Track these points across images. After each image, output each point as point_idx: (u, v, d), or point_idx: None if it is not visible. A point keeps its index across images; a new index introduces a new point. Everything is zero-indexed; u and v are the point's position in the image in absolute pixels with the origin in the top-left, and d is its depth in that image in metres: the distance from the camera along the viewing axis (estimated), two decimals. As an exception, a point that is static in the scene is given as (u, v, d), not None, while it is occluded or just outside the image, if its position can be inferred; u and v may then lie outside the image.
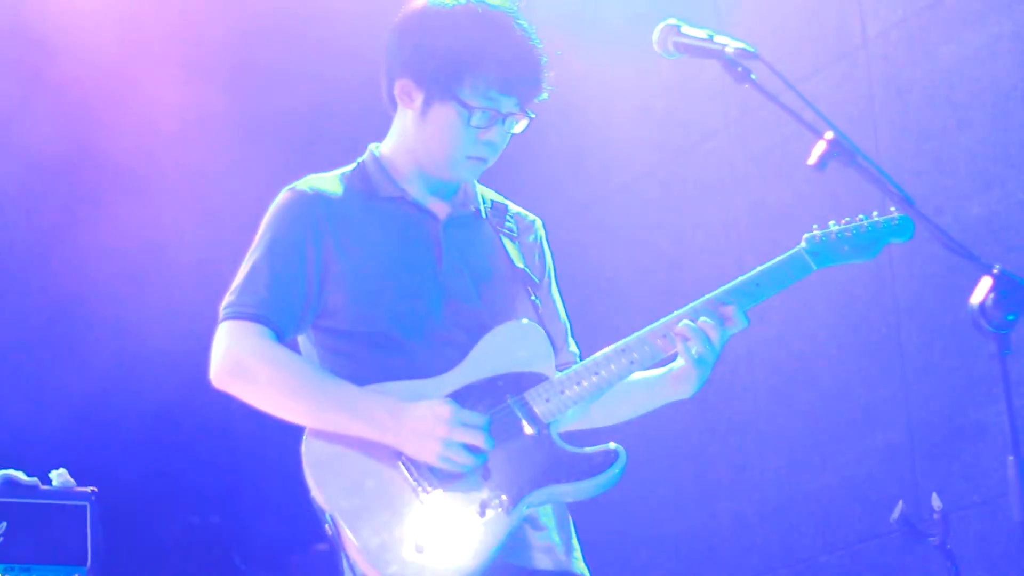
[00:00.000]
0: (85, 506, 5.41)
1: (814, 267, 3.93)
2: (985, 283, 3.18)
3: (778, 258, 3.94)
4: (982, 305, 3.16)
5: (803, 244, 3.95)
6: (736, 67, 3.58)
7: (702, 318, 3.81)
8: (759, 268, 3.91)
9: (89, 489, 5.45)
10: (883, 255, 4.08)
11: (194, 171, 7.36)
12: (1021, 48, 6.10)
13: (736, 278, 3.90)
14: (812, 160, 3.42)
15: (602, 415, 4.07)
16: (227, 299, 3.85)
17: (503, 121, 3.88)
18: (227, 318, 3.82)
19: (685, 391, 3.92)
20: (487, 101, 3.84)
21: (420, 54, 3.88)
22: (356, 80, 7.31)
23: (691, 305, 3.86)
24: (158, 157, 7.31)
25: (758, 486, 7.06)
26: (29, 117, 7.11)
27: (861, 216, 3.99)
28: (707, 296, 3.87)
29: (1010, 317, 3.15)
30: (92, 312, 7.22)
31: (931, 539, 5.44)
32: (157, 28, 7.30)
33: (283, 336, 3.80)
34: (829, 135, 3.40)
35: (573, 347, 4.13)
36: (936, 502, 5.44)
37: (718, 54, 3.61)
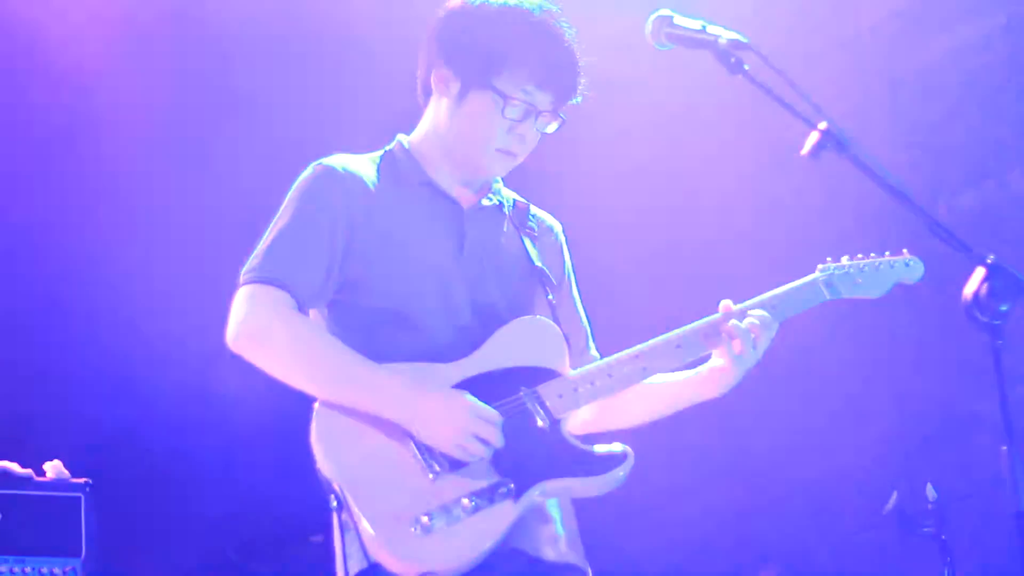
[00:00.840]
0: (79, 498, 5.40)
1: (827, 296, 4.04)
2: (979, 274, 3.18)
3: (793, 284, 4.01)
4: (976, 296, 3.16)
5: (818, 274, 4.05)
6: (729, 58, 3.58)
7: (748, 320, 3.87)
8: (774, 291, 3.98)
9: (83, 481, 5.44)
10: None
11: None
12: (1014, 41, 6.11)
13: (752, 297, 3.95)
14: (806, 150, 3.42)
15: (620, 417, 4.09)
16: (249, 264, 3.83)
17: (536, 118, 3.90)
18: (248, 282, 3.79)
19: (713, 390, 3.96)
20: (524, 94, 3.87)
21: (462, 43, 3.91)
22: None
23: (711, 317, 3.90)
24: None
25: (753, 477, 7.07)
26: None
27: (873, 254, 4.09)
28: (729, 310, 3.92)
29: (1003, 308, 3.15)
30: (86, 301, 7.21)
31: (925, 529, 5.44)
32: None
33: (302, 306, 3.80)
34: (823, 125, 3.40)
35: (594, 351, 4.14)
36: (930, 492, 5.44)
37: (711, 45, 3.61)
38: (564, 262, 4.17)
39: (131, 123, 7.24)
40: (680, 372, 3.99)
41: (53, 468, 5.45)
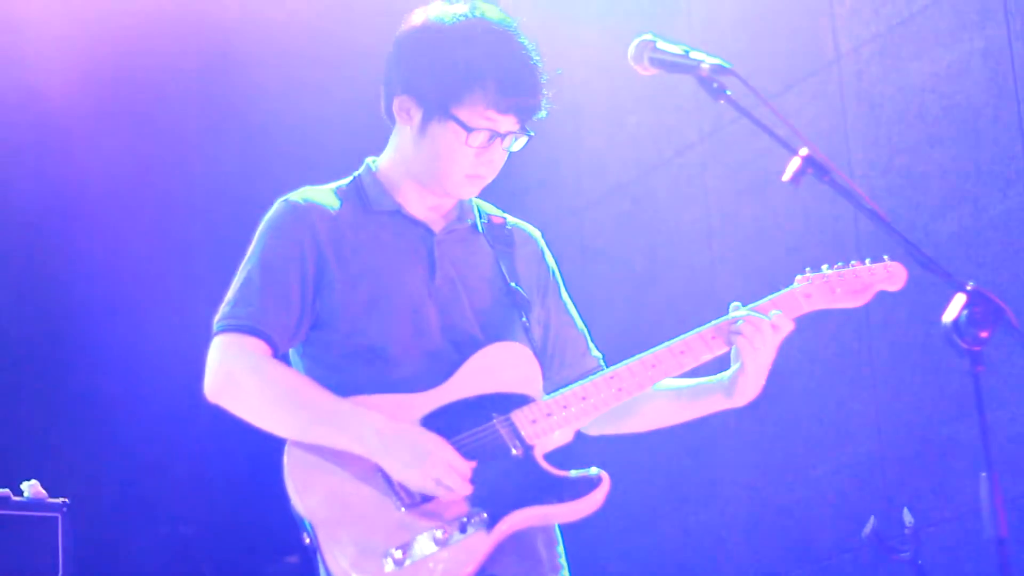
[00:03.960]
0: (56, 517, 5.40)
1: (805, 308, 3.98)
2: (958, 300, 3.19)
3: (770, 296, 3.96)
4: (955, 322, 3.17)
5: (795, 284, 4.00)
6: (711, 83, 3.59)
7: (759, 316, 3.84)
8: (750, 305, 3.93)
9: (60, 500, 5.43)
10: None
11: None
12: (992, 66, 6.13)
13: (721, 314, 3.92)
14: (787, 176, 3.43)
15: (635, 421, 4.05)
16: (221, 311, 3.81)
17: (502, 139, 3.85)
18: (221, 331, 3.78)
19: (741, 399, 3.92)
20: (485, 121, 3.80)
21: (419, 72, 3.85)
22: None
23: (712, 323, 3.89)
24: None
25: (730, 500, 7.07)
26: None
27: (854, 261, 4.05)
28: (714, 323, 3.89)
29: (983, 334, 3.16)
30: (69, 318, 7.20)
31: (902, 554, 5.46)
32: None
33: (277, 349, 3.78)
34: (803, 151, 3.41)
35: (595, 351, 4.12)
36: (907, 517, 5.45)
37: (693, 70, 3.61)
38: (548, 269, 4.13)
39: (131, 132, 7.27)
40: (699, 378, 3.96)
41: (31, 487, 5.44)
